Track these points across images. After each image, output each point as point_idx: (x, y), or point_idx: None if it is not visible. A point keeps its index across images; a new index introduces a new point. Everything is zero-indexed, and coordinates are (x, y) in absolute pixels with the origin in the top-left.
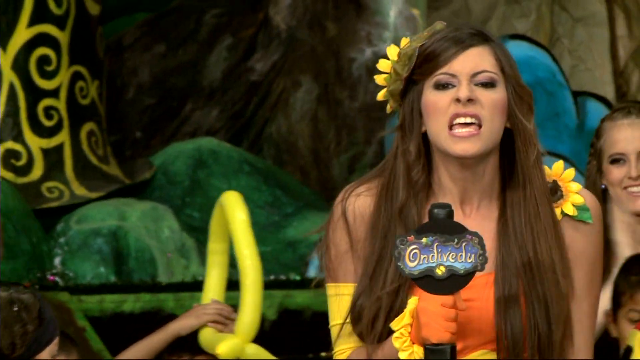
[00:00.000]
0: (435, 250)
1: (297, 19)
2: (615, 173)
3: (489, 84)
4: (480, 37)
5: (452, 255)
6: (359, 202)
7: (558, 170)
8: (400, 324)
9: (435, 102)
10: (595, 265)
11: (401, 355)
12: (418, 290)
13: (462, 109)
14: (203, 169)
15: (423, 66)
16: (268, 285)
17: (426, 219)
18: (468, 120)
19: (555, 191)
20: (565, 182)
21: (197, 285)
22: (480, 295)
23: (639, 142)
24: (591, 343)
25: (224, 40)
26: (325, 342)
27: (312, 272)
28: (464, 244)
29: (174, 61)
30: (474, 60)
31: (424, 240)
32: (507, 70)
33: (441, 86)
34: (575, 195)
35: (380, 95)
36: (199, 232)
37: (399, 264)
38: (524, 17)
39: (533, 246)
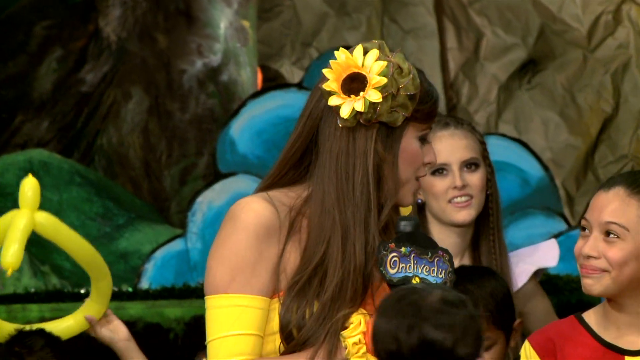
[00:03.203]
0: (412, 261)
1: (127, 30)
2: (439, 185)
3: None
4: None
5: (426, 268)
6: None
7: None
8: (357, 330)
9: (418, 155)
10: None
11: None
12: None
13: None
14: None
15: (419, 112)
16: None
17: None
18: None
19: None
20: None
21: (29, 297)
22: None
23: (461, 152)
24: None
25: (54, 52)
26: (157, 354)
27: (144, 283)
28: (436, 259)
29: (4, 73)
30: None
31: (402, 249)
32: None
33: (424, 140)
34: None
35: (379, 98)
36: (30, 244)
37: (381, 268)
38: (354, 29)
39: None
